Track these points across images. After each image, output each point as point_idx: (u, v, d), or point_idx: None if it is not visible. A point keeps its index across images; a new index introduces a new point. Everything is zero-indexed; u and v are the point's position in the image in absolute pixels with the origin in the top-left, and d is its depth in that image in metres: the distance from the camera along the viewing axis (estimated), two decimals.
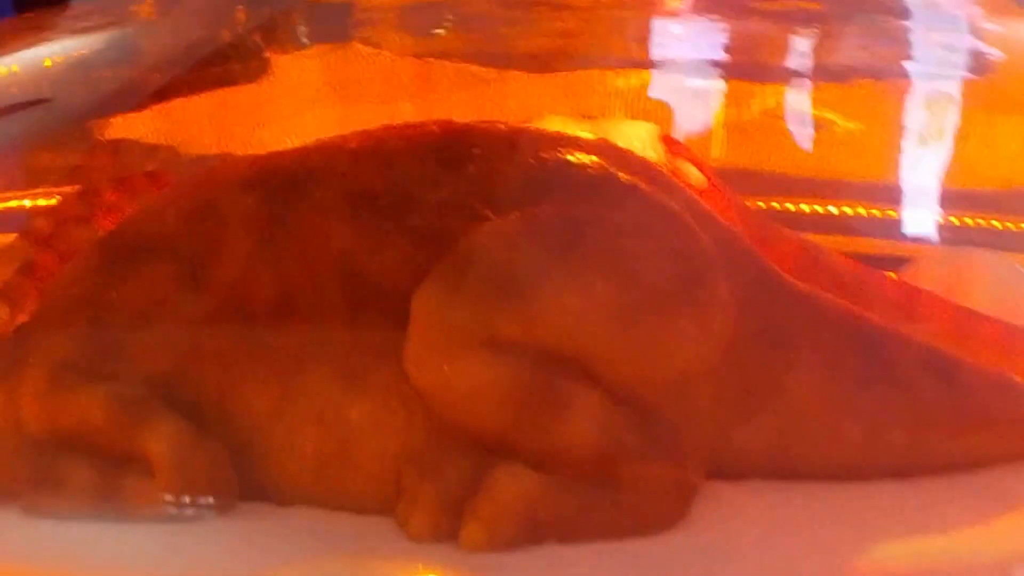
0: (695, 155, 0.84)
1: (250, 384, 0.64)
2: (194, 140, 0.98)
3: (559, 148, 0.67)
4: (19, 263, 0.77)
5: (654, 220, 0.65)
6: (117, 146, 0.96)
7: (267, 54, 0.97)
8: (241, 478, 0.64)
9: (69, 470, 0.64)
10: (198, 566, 0.61)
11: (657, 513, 0.63)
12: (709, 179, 0.82)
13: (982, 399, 0.71)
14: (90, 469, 0.64)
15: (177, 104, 0.95)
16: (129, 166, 0.96)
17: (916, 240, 0.95)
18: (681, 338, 0.64)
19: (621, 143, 0.79)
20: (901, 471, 0.68)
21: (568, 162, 0.66)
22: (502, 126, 0.69)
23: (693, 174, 0.82)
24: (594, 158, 0.66)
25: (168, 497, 0.63)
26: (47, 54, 0.98)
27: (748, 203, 0.85)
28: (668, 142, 0.84)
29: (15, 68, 0.92)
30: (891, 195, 1.01)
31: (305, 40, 0.98)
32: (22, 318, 0.74)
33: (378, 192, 0.66)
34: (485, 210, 0.64)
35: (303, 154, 0.70)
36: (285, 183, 0.68)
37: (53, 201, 0.95)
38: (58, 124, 0.94)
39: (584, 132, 0.69)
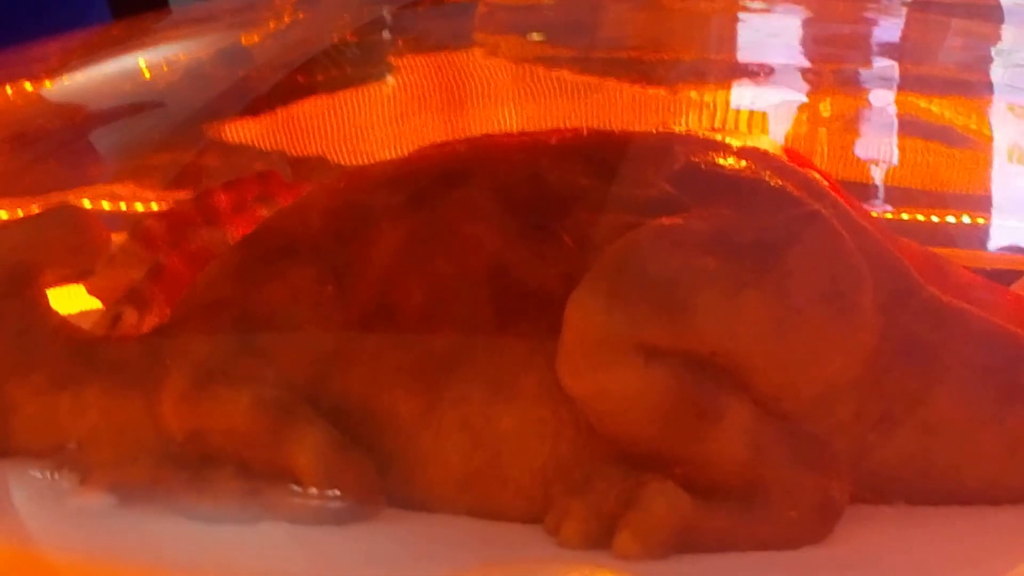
0: (819, 168, 0.83)
1: (396, 390, 0.64)
2: (302, 143, 0.97)
3: (711, 153, 0.66)
4: (147, 267, 0.77)
5: (807, 227, 0.64)
6: (227, 148, 0.96)
7: (388, 56, 0.97)
8: (386, 486, 0.64)
9: (215, 475, 0.64)
10: (342, 572, 0.61)
11: (804, 528, 0.62)
12: (836, 190, 0.82)
13: None
14: (236, 475, 0.63)
15: (290, 107, 0.94)
16: (238, 168, 0.96)
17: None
18: (830, 349, 0.63)
19: None
20: None
21: (720, 167, 0.66)
22: (654, 132, 0.69)
23: (820, 180, 0.81)
24: (745, 163, 0.66)
25: (314, 504, 0.62)
26: (154, 58, 0.98)
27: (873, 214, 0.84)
28: (792, 155, 0.83)
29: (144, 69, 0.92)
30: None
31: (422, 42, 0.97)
32: (151, 322, 0.74)
33: (529, 196, 0.66)
34: (637, 215, 0.64)
35: (452, 155, 0.70)
36: (434, 183, 0.67)
37: (160, 205, 0.96)
38: (169, 127, 0.93)
39: (732, 138, 0.68)
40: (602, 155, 0.67)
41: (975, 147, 1.02)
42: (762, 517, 0.61)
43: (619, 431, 0.61)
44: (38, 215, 0.73)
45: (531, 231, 0.65)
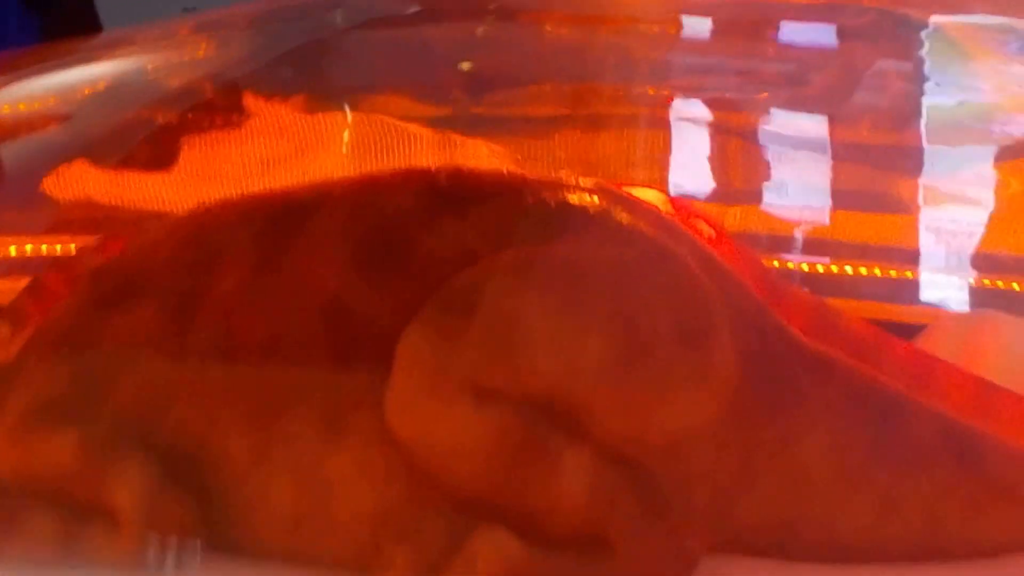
0: (705, 212, 0.82)
1: (230, 430, 0.61)
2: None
3: (561, 191, 0.64)
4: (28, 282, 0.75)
5: (655, 264, 0.61)
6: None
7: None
8: (215, 528, 0.61)
9: (30, 515, 0.61)
10: None
11: None
12: (719, 233, 0.79)
13: (1004, 477, 0.66)
14: (52, 514, 0.61)
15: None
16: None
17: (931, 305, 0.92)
18: (679, 394, 0.60)
19: None
20: (916, 554, 0.64)
21: (569, 203, 0.63)
22: (506, 172, 0.67)
23: (703, 228, 0.79)
24: (596, 200, 0.63)
25: (131, 548, 0.59)
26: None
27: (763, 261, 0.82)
28: (675, 202, 0.81)
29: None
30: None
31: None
32: (22, 339, 0.71)
33: (374, 232, 0.64)
34: (483, 252, 0.61)
35: (303, 192, 0.67)
36: (281, 219, 0.65)
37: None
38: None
39: (588, 180, 0.66)
40: (454, 193, 0.65)
41: None
42: (607, 567, 0.59)
43: (449, 478, 0.59)
44: None
45: (375, 268, 0.63)
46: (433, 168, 0.67)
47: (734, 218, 0.97)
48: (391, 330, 0.60)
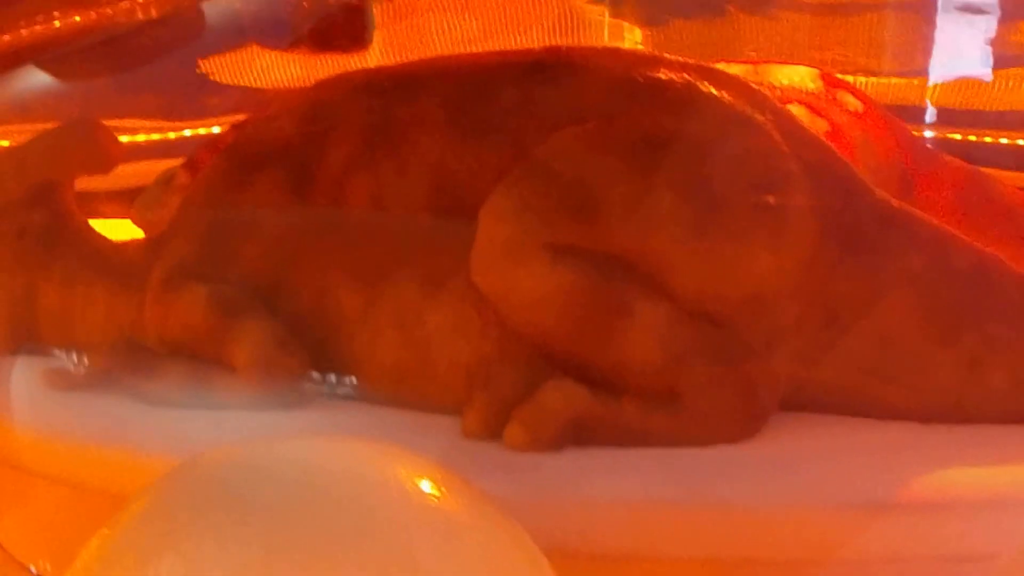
0: (855, 88, 0.81)
1: (341, 290, 0.67)
2: None
3: (651, 66, 0.66)
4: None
5: (731, 130, 0.63)
6: None
7: None
8: (327, 379, 0.67)
9: (165, 363, 0.68)
10: None
11: (718, 430, 0.61)
12: (867, 105, 0.79)
13: None
14: (185, 363, 0.68)
15: None
16: None
17: None
18: (752, 250, 0.62)
19: (774, 81, 0.78)
20: (1000, 418, 0.63)
21: (655, 78, 0.65)
22: (603, 48, 0.69)
23: (850, 101, 0.79)
24: (681, 75, 0.65)
25: (250, 392, 0.66)
26: None
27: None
28: (826, 77, 0.81)
29: None
30: None
31: None
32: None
33: (474, 104, 0.67)
34: (572, 121, 0.64)
35: (413, 65, 0.72)
36: (391, 89, 0.70)
37: None
38: None
39: (677, 57, 0.67)
40: (548, 68, 0.67)
41: None
42: (670, 416, 0.61)
43: (529, 330, 0.62)
44: (55, 130, 0.79)
45: (473, 137, 0.66)
46: (537, 48, 0.70)
47: None
48: (484, 194, 0.63)
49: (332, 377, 0.67)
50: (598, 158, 0.62)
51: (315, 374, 0.67)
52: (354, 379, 0.66)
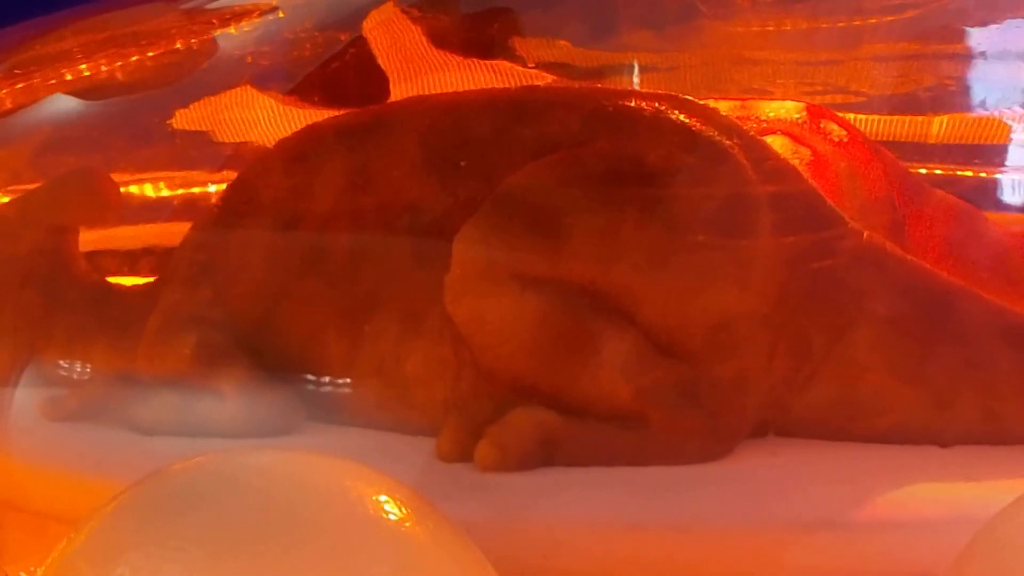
0: (840, 118, 0.82)
1: (328, 330, 0.69)
2: None
3: (622, 98, 0.67)
4: None
5: (698, 159, 0.64)
6: None
7: None
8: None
9: (151, 392, 0.70)
10: None
11: (684, 452, 0.62)
12: (852, 134, 0.80)
13: None
14: (173, 393, 0.70)
15: None
16: None
17: None
18: (717, 281, 0.62)
19: (760, 114, 0.79)
20: (972, 443, 0.64)
21: (621, 107, 0.67)
22: (576, 86, 0.70)
23: (834, 130, 0.80)
24: (652, 104, 0.66)
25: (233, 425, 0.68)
26: None
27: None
28: (811, 108, 0.82)
29: None
30: None
31: None
32: None
33: (449, 141, 0.69)
34: (539, 155, 0.66)
35: (392, 105, 0.73)
36: (369, 131, 0.71)
37: None
38: None
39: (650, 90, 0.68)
40: (524, 105, 0.69)
41: None
42: (637, 439, 0.62)
43: (498, 359, 0.64)
44: (58, 178, 0.81)
45: (449, 173, 0.68)
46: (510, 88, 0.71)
47: None
48: (458, 231, 0.65)
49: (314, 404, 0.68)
50: (564, 188, 0.63)
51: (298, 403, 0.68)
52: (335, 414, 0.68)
